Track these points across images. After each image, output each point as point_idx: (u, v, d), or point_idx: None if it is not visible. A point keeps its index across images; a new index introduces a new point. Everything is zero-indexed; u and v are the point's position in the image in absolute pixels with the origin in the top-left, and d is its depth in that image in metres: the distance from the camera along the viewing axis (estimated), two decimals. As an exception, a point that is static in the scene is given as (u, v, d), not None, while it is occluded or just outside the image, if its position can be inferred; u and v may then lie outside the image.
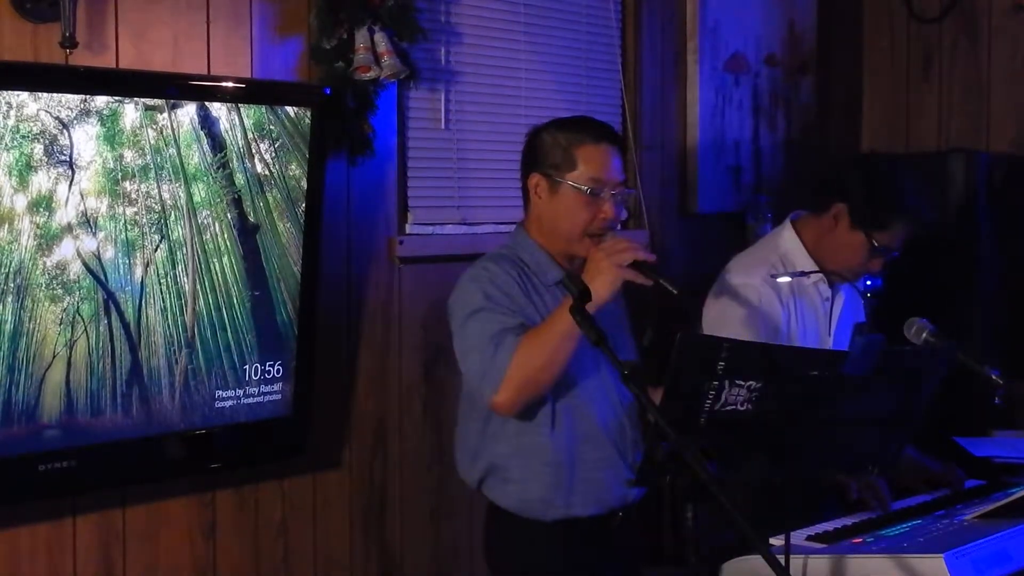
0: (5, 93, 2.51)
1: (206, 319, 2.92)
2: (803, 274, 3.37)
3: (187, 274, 2.87)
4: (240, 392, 3.01)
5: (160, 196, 2.80)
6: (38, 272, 2.62)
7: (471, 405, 2.95)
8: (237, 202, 2.94)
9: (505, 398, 2.75)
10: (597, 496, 2.90)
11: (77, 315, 2.70)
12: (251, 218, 2.97)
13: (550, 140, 2.92)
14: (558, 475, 2.87)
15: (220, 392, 2.97)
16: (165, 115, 2.78)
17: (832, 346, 3.36)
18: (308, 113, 3.02)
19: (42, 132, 2.58)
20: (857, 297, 3.47)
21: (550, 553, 2.90)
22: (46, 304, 2.64)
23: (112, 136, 2.70)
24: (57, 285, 2.66)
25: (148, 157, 2.77)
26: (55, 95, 2.60)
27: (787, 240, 3.38)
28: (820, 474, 3.09)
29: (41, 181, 2.60)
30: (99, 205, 2.70)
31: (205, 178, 2.87)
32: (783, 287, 3.27)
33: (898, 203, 3.26)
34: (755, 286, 3.26)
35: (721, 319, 3.22)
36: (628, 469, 2.92)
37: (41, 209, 2.61)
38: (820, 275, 3.33)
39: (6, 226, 2.56)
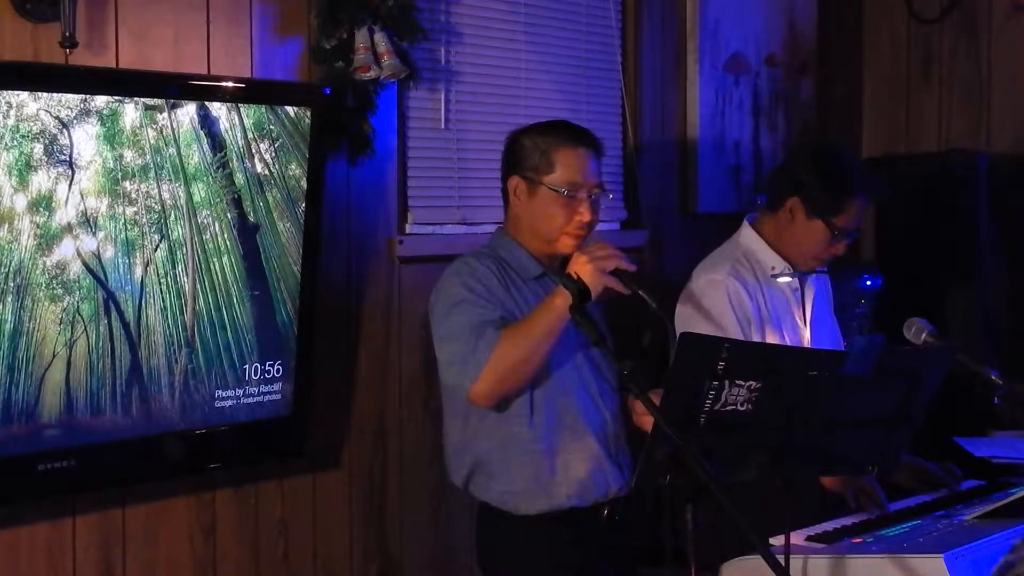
0: (5, 93, 2.51)
1: (206, 319, 2.92)
2: (802, 274, 3.41)
3: (187, 274, 2.87)
4: (240, 392, 3.01)
5: (160, 196, 2.80)
6: (38, 272, 2.62)
7: (451, 405, 3.00)
8: (237, 202, 2.94)
9: (483, 388, 2.79)
10: (579, 487, 2.92)
11: (77, 315, 2.69)
12: (251, 218, 2.97)
13: (529, 144, 2.98)
14: (539, 465, 2.90)
15: (220, 392, 2.97)
16: (165, 115, 2.78)
17: (810, 336, 3.40)
18: (308, 113, 3.02)
19: (42, 132, 2.58)
20: (827, 287, 3.54)
21: (538, 550, 2.92)
22: (46, 304, 2.64)
23: (112, 136, 2.70)
24: (57, 285, 2.66)
25: (148, 157, 2.77)
26: (55, 95, 2.60)
27: (746, 238, 3.44)
28: (820, 474, 3.09)
29: (41, 181, 2.60)
30: (99, 205, 2.70)
31: (205, 178, 2.87)
32: (748, 279, 3.33)
33: (848, 184, 3.35)
34: (721, 280, 3.31)
35: (693, 317, 3.26)
36: (610, 462, 2.95)
37: (41, 209, 2.61)
38: (786, 266, 3.37)
39: (6, 226, 2.56)
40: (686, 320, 3.29)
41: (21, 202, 2.57)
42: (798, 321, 3.42)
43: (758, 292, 3.35)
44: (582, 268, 2.74)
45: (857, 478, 3.10)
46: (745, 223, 3.50)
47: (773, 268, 3.39)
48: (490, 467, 2.93)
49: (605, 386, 2.99)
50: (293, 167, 3.02)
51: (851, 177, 3.37)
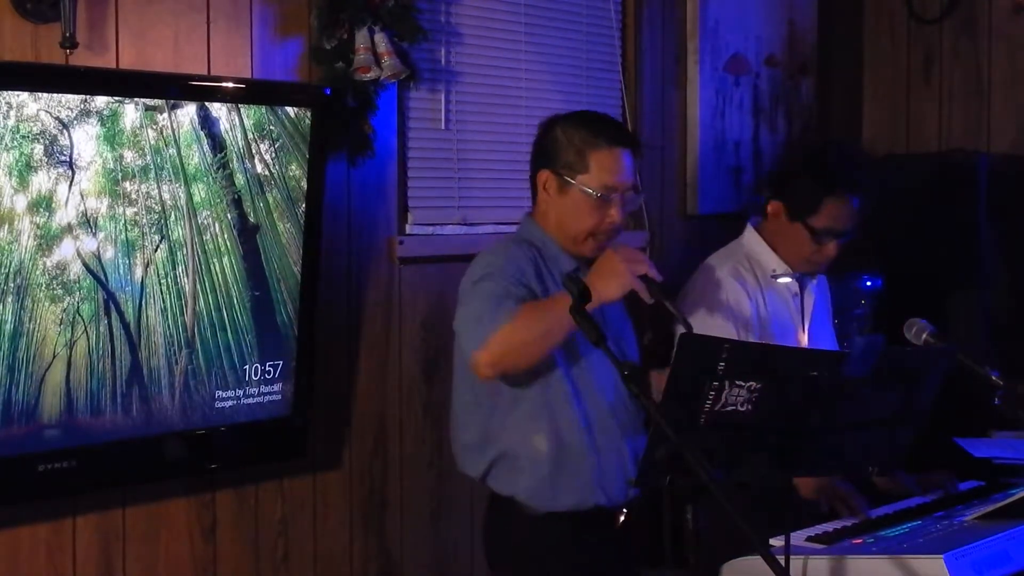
0: (5, 93, 2.52)
1: (206, 319, 2.92)
2: (801, 275, 3.41)
3: (187, 274, 2.87)
4: (240, 392, 3.01)
5: (160, 196, 2.80)
6: (38, 272, 2.62)
7: (473, 397, 2.92)
8: (237, 202, 2.94)
9: (487, 357, 2.70)
10: (606, 486, 2.88)
11: (77, 315, 2.70)
12: (251, 218, 2.97)
13: (564, 138, 2.89)
14: (567, 462, 2.86)
15: (220, 392, 2.97)
16: (165, 115, 2.78)
17: (808, 341, 3.39)
18: (308, 113, 3.02)
19: (42, 132, 2.58)
20: (827, 295, 3.53)
21: (552, 548, 2.89)
22: (46, 304, 2.64)
23: (112, 136, 2.70)
24: (57, 285, 2.66)
25: (148, 157, 2.77)
26: (55, 95, 2.60)
27: (749, 240, 3.45)
28: (821, 474, 3.09)
29: (41, 181, 2.60)
30: (99, 205, 2.70)
31: (205, 178, 2.87)
32: (749, 280, 3.33)
33: (821, 182, 3.31)
34: (720, 280, 3.30)
35: (691, 315, 3.25)
36: (635, 464, 2.90)
37: (41, 209, 2.61)
38: (787, 268, 3.39)
39: (6, 226, 2.56)
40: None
41: (21, 203, 2.57)
42: (797, 326, 3.41)
43: (758, 294, 3.35)
44: (616, 266, 2.70)
45: (832, 483, 3.09)
46: (748, 225, 3.50)
47: (774, 270, 3.39)
48: (516, 461, 2.87)
49: None
50: (293, 167, 3.02)
51: (828, 177, 3.33)
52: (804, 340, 3.42)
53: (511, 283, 2.77)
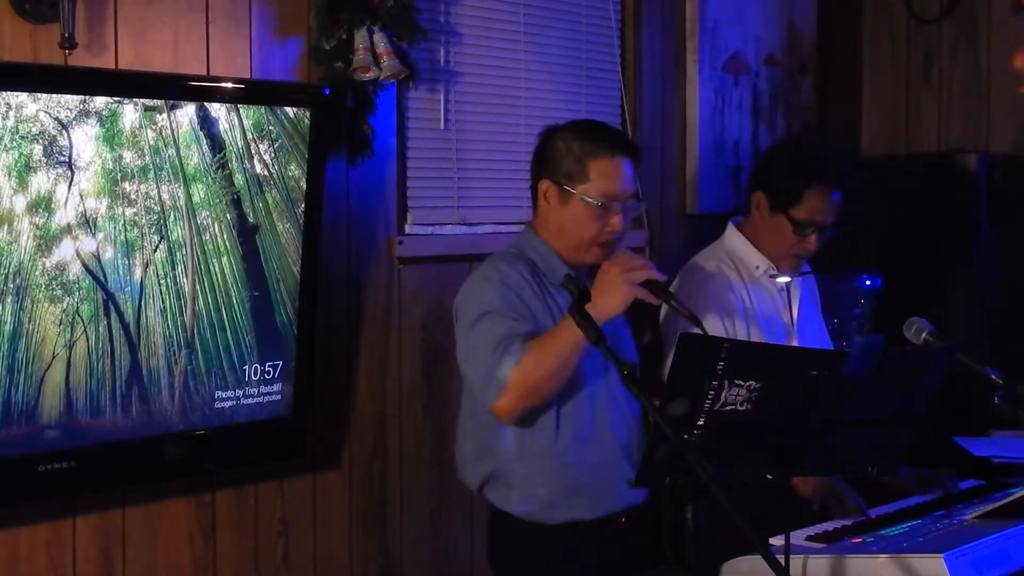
0: (5, 94, 2.52)
1: (206, 319, 2.92)
2: (802, 274, 3.41)
3: (187, 275, 2.87)
4: (240, 392, 3.01)
5: (159, 197, 2.80)
6: (38, 273, 2.62)
7: (472, 408, 2.93)
8: (236, 203, 2.94)
9: (507, 404, 2.73)
10: (602, 499, 2.88)
11: (77, 316, 2.70)
12: (250, 219, 2.97)
13: (563, 147, 2.88)
14: (562, 478, 2.85)
15: (220, 392, 2.97)
16: (164, 116, 2.78)
17: (798, 336, 3.40)
18: (307, 114, 3.02)
19: (41, 133, 2.58)
20: (813, 288, 3.55)
21: (556, 557, 2.88)
22: (46, 305, 2.64)
23: (111, 137, 2.70)
24: (57, 286, 2.66)
25: (147, 158, 2.77)
26: (54, 96, 2.60)
27: (731, 239, 3.47)
28: (820, 474, 3.09)
29: (40, 182, 2.60)
30: (98, 206, 2.70)
31: (204, 179, 2.87)
32: (733, 277, 3.35)
33: (802, 171, 3.34)
34: (705, 277, 3.32)
35: (678, 316, 3.25)
36: (633, 472, 2.90)
37: (40, 210, 2.61)
38: (770, 265, 3.41)
39: (6, 227, 2.56)
40: (670, 319, 3.29)
41: (21, 203, 2.57)
42: (785, 321, 3.42)
43: (743, 290, 3.36)
44: (614, 279, 2.70)
45: (828, 481, 3.09)
46: (730, 224, 3.51)
47: (757, 267, 3.40)
48: (510, 476, 2.87)
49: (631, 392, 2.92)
50: (292, 168, 3.02)
51: (807, 167, 3.35)
52: (793, 334, 3.43)
53: (513, 317, 2.76)
